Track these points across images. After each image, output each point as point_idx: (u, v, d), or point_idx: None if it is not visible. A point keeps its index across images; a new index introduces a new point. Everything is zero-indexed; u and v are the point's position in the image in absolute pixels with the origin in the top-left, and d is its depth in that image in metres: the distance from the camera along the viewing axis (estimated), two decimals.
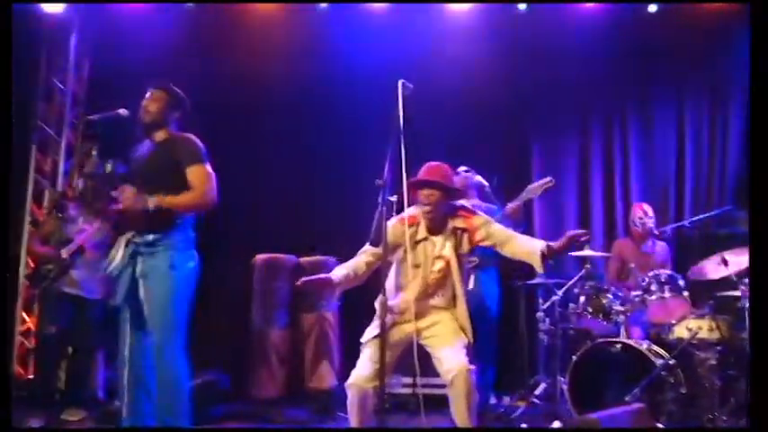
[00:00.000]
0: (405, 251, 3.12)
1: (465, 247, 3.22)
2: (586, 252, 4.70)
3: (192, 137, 3.30)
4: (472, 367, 2.99)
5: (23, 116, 5.88)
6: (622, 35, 5.79)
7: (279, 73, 5.83)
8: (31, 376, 5.50)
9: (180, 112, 3.36)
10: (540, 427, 4.10)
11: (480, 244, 3.22)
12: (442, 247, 3.18)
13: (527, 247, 3.09)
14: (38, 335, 5.04)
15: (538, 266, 3.06)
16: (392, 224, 3.12)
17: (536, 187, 4.27)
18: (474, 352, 4.23)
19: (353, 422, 3.02)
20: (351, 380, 3.03)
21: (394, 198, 2.87)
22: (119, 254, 3.16)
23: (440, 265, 3.18)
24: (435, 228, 3.20)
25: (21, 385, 5.12)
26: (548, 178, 4.25)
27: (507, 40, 5.79)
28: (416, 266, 3.15)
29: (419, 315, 3.11)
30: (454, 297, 3.20)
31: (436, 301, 3.21)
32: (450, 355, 3.03)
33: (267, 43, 5.84)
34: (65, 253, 4.42)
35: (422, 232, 3.17)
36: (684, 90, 5.87)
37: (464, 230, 3.20)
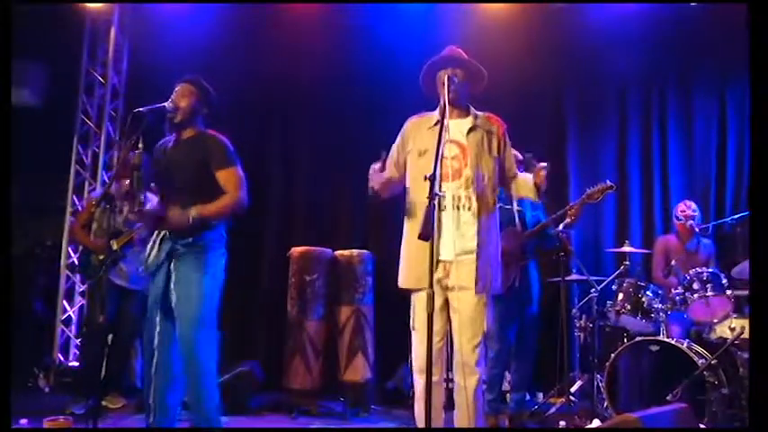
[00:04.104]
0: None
1: (493, 149, 2.96)
2: (625, 248, 4.62)
3: (221, 136, 3.19)
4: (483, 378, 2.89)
5: (66, 109, 6.01)
6: (663, 29, 5.66)
7: (314, 71, 5.84)
8: (74, 364, 5.64)
9: (208, 107, 3.26)
10: (578, 424, 4.05)
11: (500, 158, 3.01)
12: (457, 132, 2.95)
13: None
14: (87, 324, 5.15)
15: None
16: (411, 121, 3.07)
17: (596, 192, 3.90)
18: (515, 352, 4.25)
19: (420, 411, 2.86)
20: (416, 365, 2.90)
21: (442, 192, 2.78)
22: (154, 250, 3.17)
23: (454, 150, 2.93)
24: (453, 114, 2.96)
25: (63, 372, 5.25)
26: (608, 182, 3.91)
27: (545, 35, 5.71)
28: (424, 153, 2.87)
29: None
30: (478, 235, 2.87)
31: (463, 216, 2.90)
32: (464, 359, 2.85)
33: (303, 42, 5.84)
34: (115, 245, 4.49)
35: (437, 118, 2.90)
36: (726, 84, 5.71)
37: (488, 132, 2.98)
